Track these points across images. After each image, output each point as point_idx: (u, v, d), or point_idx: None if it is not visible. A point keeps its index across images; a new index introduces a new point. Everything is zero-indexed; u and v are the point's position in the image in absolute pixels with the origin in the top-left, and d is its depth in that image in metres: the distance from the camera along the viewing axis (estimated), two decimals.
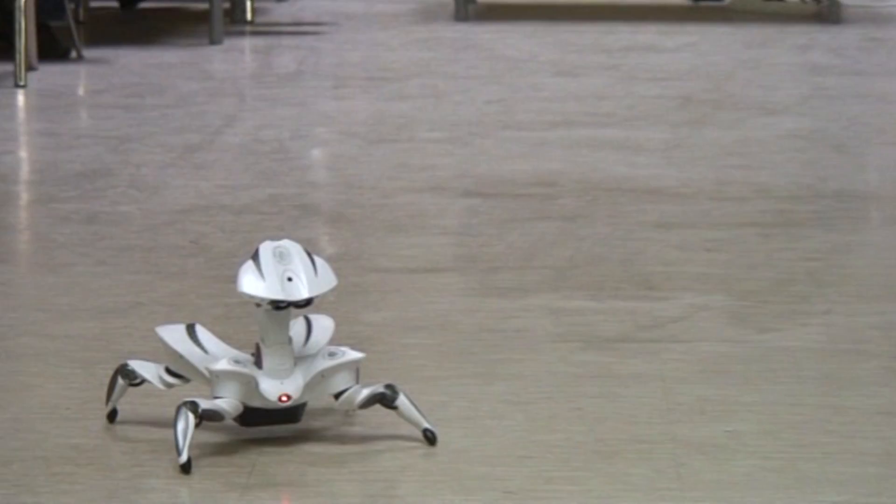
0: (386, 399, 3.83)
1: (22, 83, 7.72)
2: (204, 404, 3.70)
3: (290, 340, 3.81)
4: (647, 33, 9.22)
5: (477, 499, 3.58)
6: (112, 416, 4.01)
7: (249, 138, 7.12)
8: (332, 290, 3.76)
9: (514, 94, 7.83)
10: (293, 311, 3.73)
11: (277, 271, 3.72)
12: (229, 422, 3.80)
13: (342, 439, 3.96)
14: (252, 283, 3.69)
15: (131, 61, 8.37)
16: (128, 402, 4.06)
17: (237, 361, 3.79)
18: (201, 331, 3.90)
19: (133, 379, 3.94)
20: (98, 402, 4.22)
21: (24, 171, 6.88)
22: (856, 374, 4.56)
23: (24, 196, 6.56)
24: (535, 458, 3.84)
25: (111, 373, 3.96)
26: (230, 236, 5.73)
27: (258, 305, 3.71)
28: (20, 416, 4.19)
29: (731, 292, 5.21)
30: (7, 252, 5.86)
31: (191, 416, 3.71)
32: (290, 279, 3.70)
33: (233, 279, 4.95)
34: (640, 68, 8.42)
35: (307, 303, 3.65)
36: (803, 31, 9.39)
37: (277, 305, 3.66)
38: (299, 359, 3.84)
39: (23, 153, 7.11)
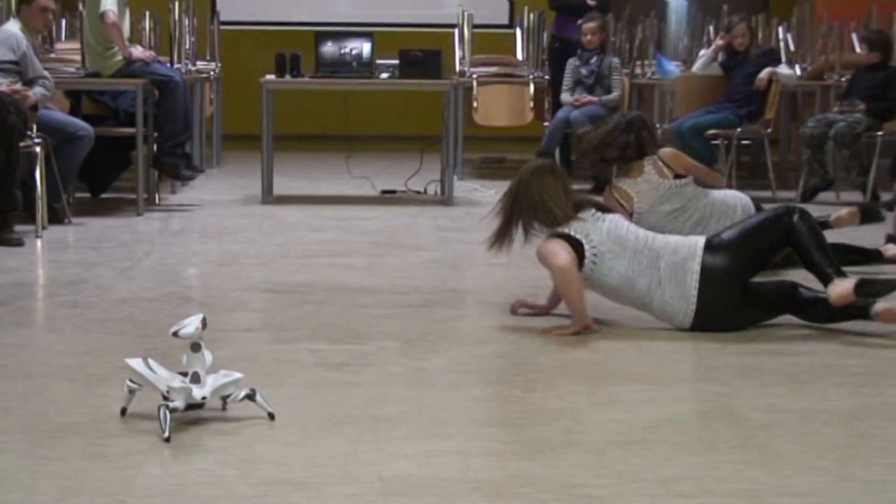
0: (250, 397, 3.92)
1: (39, 236, 7.62)
2: (170, 405, 3.79)
3: (204, 367, 3.90)
4: (357, 211, 9.24)
5: (279, 444, 3.62)
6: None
7: (156, 263, 7.08)
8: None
9: (291, 241, 7.81)
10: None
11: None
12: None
13: (227, 419, 4.01)
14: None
15: (96, 224, 8.26)
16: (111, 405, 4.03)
17: (183, 382, 3.89)
18: (151, 361, 3.94)
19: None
20: (79, 402, 4.19)
21: (40, 281, 6.79)
22: (466, 381, 4.63)
23: (39, 293, 6.48)
24: (299, 427, 3.89)
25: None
26: (147, 314, 5.67)
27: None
28: (35, 408, 4.17)
29: (400, 340, 5.26)
30: (28, 322, 5.80)
31: (167, 412, 3.74)
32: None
33: (152, 336, 4.96)
34: (354, 228, 8.42)
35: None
36: (435, 209, 9.42)
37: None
38: (208, 374, 3.93)
39: (39, 271, 7.06)
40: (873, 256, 7.11)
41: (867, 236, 7.22)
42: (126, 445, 3.74)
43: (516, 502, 3.33)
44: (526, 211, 5.49)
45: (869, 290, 5.19)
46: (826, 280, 5.25)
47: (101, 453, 3.68)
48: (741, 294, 5.30)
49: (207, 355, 3.95)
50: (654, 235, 5.45)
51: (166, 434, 3.76)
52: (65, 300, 6.04)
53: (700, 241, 5.36)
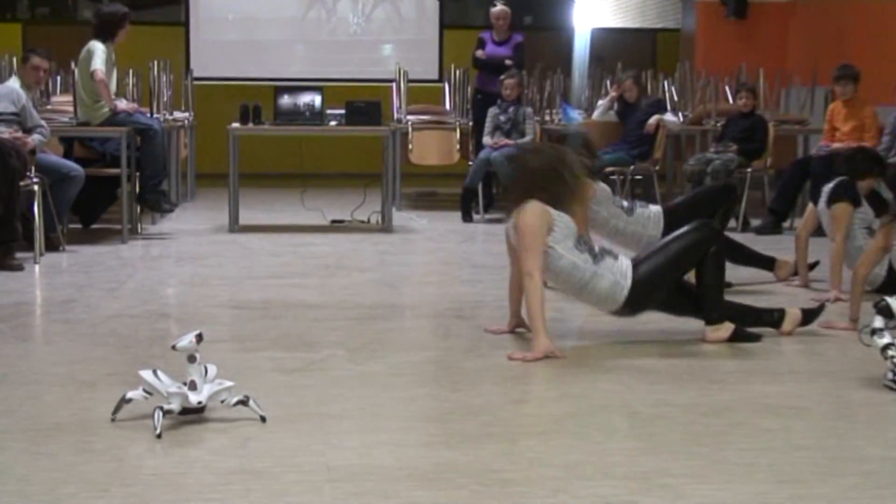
0: (244, 402, 3.90)
1: (37, 262, 7.54)
2: (165, 407, 3.76)
3: (203, 377, 3.88)
4: (310, 238, 9.17)
5: (241, 438, 3.58)
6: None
7: (138, 284, 7.01)
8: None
9: (254, 264, 7.76)
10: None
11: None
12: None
13: (224, 420, 3.97)
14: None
15: (86, 251, 8.16)
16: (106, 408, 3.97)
17: (179, 388, 3.85)
18: (160, 372, 3.89)
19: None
20: (69, 405, 4.14)
21: (37, 300, 6.68)
22: (401, 383, 4.61)
23: (37, 311, 6.38)
24: (258, 423, 3.82)
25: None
26: (130, 329, 5.61)
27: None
28: (31, 410, 4.11)
29: (345, 348, 5.22)
30: (26, 336, 5.73)
31: (160, 413, 3.70)
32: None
33: (132, 347, 4.92)
34: (307, 252, 8.37)
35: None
36: (377, 236, 9.37)
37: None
38: (205, 383, 3.91)
39: (37, 292, 6.94)
40: (767, 265, 7.15)
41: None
42: (109, 442, 3.70)
43: (443, 486, 3.32)
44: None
45: (738, 340, 5.31)
46: (708, 320, 5.32)
47: (87, 449, 3.63)
48: (664, 297, 5.29)
49: (211, 368, 3.94)
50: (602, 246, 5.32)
51: (158, 431, 3.73)
52: (58, 317, 5.96)
53: (629, 268, 5.18)
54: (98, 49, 8.98)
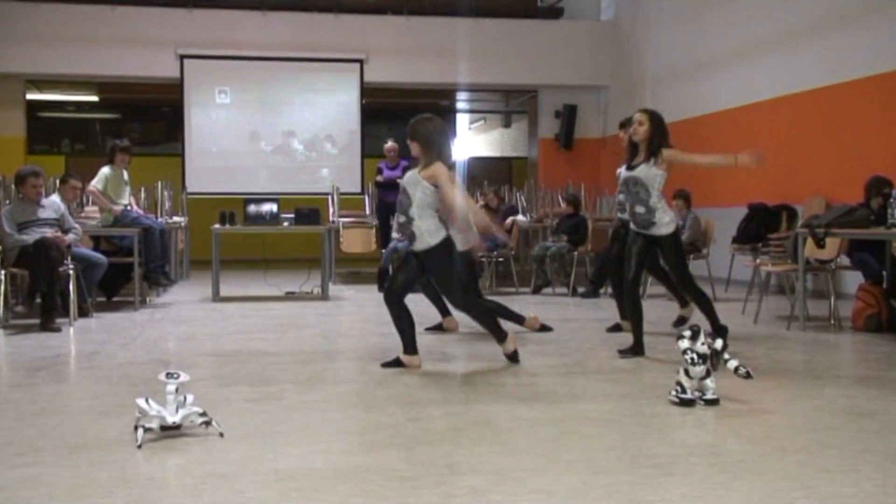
0: (208, 422, 3.85)
1: (72, 325, 7.33)
2: (146, 425, 3.63)
3: (182, 402, 3.78)
4: (270, 305, 9.00)
5: (211, 450, 3.46)
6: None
7: (145, 339, 6.82)
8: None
9: (229, 324, 7.61)
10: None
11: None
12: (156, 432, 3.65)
13: (195, 435, 3.79)
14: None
15: (108, 317, 7.92)
16: (105, 428, 3.82)
17: (159, 411, 3.74)
18: (150, 400, 3.80)
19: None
20: (88, 429, 3.98)
21: (71, 353, 6.42)
22: (331, 408, 4.51)
23: (70, 361, 6.12)
24: (226, 439, 3.69)
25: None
26: (137, 372, 5.43)
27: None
28: (61, 433, 3.92)
29: (293, 383, 5.10)
30: (61, 378, 5.46)
31: (142, 430, 3.58)
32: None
33: (138, 385, 4.73)
34: (267, 315, 8.23)
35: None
36: (317, 303, 9.27)
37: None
38: (180, 408, 3.78)
39: (70, 347, 6.67)
40: (520, 320, 7.03)
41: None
42: (116, 456, 3.55)
43: (358, 481, 3.23)
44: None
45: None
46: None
47: (99, 461, 3.48)
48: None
49: (189, 397, 3.85)
50: None
51: (139, 443, 3.62)
52: (85, 364, 5.76)
53: None
54: (101, 172, 9.23)
